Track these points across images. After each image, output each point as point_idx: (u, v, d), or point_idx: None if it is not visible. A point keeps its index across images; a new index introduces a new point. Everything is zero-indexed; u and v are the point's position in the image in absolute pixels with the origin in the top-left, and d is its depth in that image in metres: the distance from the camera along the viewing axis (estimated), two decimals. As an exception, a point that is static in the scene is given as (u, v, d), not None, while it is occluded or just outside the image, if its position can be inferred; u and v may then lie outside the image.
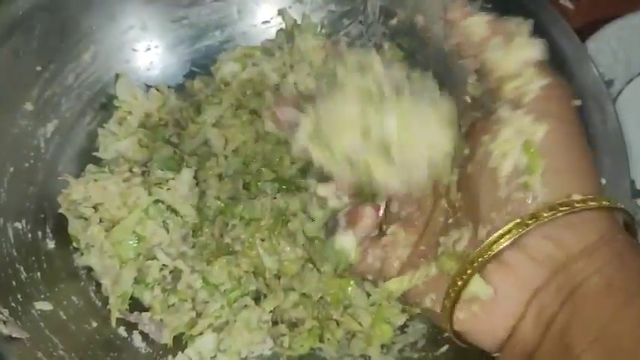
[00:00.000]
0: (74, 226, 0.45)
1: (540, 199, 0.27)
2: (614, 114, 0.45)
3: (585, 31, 0.57)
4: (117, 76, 0.51)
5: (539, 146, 0.27)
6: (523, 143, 0.28)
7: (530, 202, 0.27)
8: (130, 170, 0.46)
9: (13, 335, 0.39)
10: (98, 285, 0.45)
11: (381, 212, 0.35)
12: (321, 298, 0.45)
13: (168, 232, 0.45)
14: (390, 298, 0.33)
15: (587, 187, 0.28)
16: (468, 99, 0.33)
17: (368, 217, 0.33)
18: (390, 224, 0.34)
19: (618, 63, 0.58)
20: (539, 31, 0.47)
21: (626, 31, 0.58)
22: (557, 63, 0.45)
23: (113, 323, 0.44)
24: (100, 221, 0.44)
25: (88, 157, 0.49)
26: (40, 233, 0.45)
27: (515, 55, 0.30)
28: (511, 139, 0.28)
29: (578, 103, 0.30)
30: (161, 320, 0.44)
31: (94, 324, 0.44)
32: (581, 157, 0.28)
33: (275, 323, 0.45)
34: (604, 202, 0.27)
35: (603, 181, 0.42)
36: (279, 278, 0.45)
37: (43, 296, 0.43)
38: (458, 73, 0.51)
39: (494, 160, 0.28)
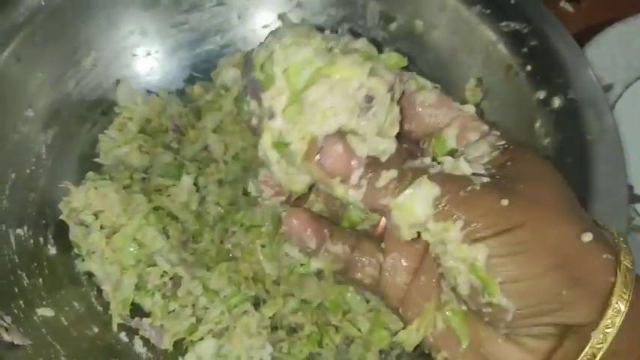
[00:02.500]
0: (75, 233, 0.45)
1: (514, 311, 0.25)
2: (612, 120, 0.45)
3: (585, 35, 0.57)
4: (117, 81, 0.52)
5: (487, 268, 0.25)
6: (469, 268, 0.26)
7: (505, 316, 0.26)
8: (130, 177, 0.46)
9: (15, 342, 0.39)
10: (99, 291, 0.46)
11: (384, 221, 0.34)
12: (320, 304, 0.45)
13: (168, 238, 0.45)
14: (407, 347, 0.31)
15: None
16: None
17: (290, 226, 0.30)
18: (387, 239, 0.32)
19: (618, 67, 0.58)
20: (537, 37, 0.47)
21: (625, 34, 0.58)
22: (555, 69, 0.46)
23: (114, 329, 0.44)
24: (101, 228, 0.45)
25: (89, 163, 0.49)
26: (41, 239, 0.46)
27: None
28: (455, 266, 0.26)
29: (505, 203, 0.26)
30: (162, 326, 0.44)
31: (96, 329, 0.44)
32: (540, 254, 0.25)
33: (274, 329, 0.45)
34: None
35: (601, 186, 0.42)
36: (278, 284, 0.45)
37: (44, 302, 0.43)
38: (456, 78, 0.51)
39: (450, 280, 0.27)
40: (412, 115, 0.31)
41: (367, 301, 0.44)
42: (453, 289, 0.28)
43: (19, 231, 0.44)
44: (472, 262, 0.25)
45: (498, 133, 0.30)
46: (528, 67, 0.46)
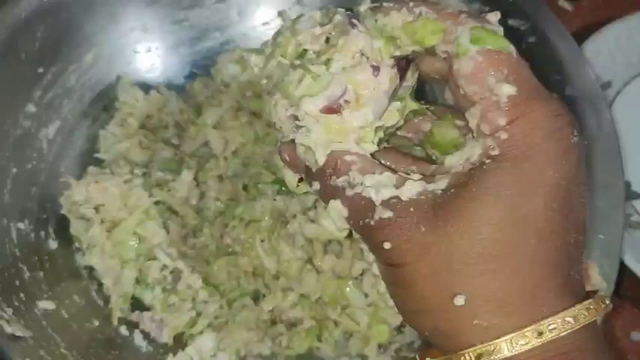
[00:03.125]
0: (76, 227, 0.45)
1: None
2: (610, 117, 0.45)
3: (584, 33, 0.57)
4: (118, 77, 0.52)
5: None
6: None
7: None
8: (131, 172, 0.46)
9: (17, 334, 0.39)
10: (100, 284, 0.46)
11: None
12: (319, 298, 0.45)
13: (168, 232, 0.45)
14: None
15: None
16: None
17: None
18: None
19: (616, 64, 0.58)
20: (535, 34, 0.47)
21: (624, 32, 0.58)
22: (553, 66, 0.46)
23: (115, 322, 0.44)
24: (102, 222, 0.45)
25: (90, 159, 0.49)
26: (42, 233, 0.46)
27: None
28: None
29: None
30: (161, 319, 0.44)
31: (96, 323, 0.44)
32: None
33: (274, 323, 0.46)
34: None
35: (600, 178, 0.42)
36: (278, 279, 0.46)
37: (45, 295, 0.43)
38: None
39: None
40: (451, 86, 0.27)
41: (366, 296, 0.45)
42: None
43: (20, 225, 0.45)
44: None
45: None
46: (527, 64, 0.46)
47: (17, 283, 0.42)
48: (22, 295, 0.42)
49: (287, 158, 0.27)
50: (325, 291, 0.45)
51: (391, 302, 0.43)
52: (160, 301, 0.44)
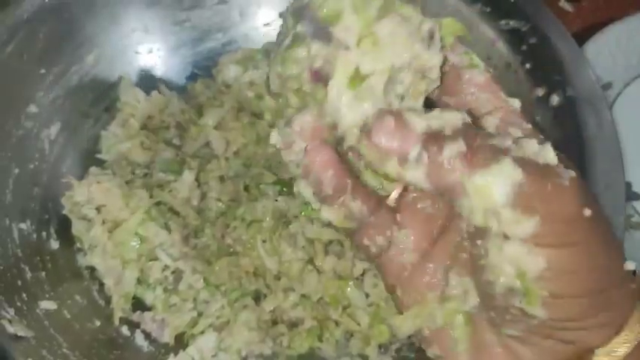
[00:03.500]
0: (78, 227, 0.46)
1: (542, 322, 0.24)
2: (610, 118, 0.45)
3: (584, 34, 0.57)
4: (120, 78, 0.52)
5: (536, 279, 0.23)
6: (517, 273, 0.23)
7: (531, 322, 0.24)
8: (132, 172, 0.47)
9: (19, 334, 0.39)
10: (101, 285, 0.46)
11: (395, 194, 0.30)
12: (321, 298, 0.45)
13: (170, 233, 0.45)
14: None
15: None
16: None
17: (312, 161, 0.27)
18: (403, 212, 0.29)
19: (617, 65, 0.58)
20: (536, 35, 0.48)
21: (625, 33, 0.58)
22: (553, 67, 0.46)
23: (116, 322, 0.45)
24: (103, 222, 0.45)
25: (92, 159, 0.49)
26: (44, 234, 0.46)
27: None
28: (502, 266, 0.24)
29: (587, 213, 0.23)
30: (163, 319, 0.44)
31: (98, 323, 0.45)
32: (589, 276, 0.24)
33: (275, 323, 0.46)
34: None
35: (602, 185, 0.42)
36: (279, 279, 0.46)
37: (47, 295, 0.43)
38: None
39: (487, 274, 0.24)
40: (455, 89, 0.28)
41: (367, 296, 0.45)
42: (482, 283, 0.25)
43: (22, 225, 0.45)
44: (523, 270, 0.23)
45: (542, 137, 0.26)
46: (527, 65, 0.47)
47: (19, 283, 0.43)
48: (24, 295, 0.42)
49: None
50: (326, 291, 0.45)
51: (391, 302, 0.43)
52: (161, 301, 0.44)
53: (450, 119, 0.24)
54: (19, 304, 0.41)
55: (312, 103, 0.26)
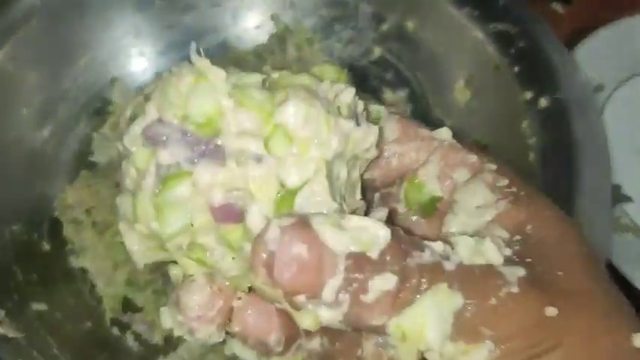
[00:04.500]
0: (69, 229, 0.46)
1: None
2: (600, 121, 0.46)
3: (576, 36, 0.57)
4: (112, 81, 0.52)
5: None
6: None
7: None
8: (123, 174, 0.47)
9: (9, 335, 0.40)
10: (92, 286, 0.46)
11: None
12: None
13: (159, 235, 0.45)
14: None
15: None
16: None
17: (245, 325, 0.22)
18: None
19: (608, 68, 0.58)
20: (525, 38, 0.48)
21: (616, 36, 0.58)
22: (542, 69, 0.46)
23: (107, 323, 0.45)
24: (94, 224, 0.45)
25: (83, 162, 0.50)
26: (36, 235, 0.46)
27: None
28: None
29: (552, 312, 0.19)
30: (153, 321, 0.45)
31: (88, 324, 0.45)
32: None
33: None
34: None
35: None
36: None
37: (38, 297, 0.44)
38: (445, 78, 0.52)
39: None
40: (375, 163, 0.23)
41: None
42: None
43: (14, 227, 0.45)
44: None
45: (494, 167, 0.23)
46: (516, 68, 0.47)
47: (11, 284, 0.43)
48: (15, 296, 0.42)
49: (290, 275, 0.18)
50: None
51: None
52: (151, 302, 0.45)
53: (374, 235, 0.18)
54: (10, 305, 0.41)
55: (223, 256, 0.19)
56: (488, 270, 0.19)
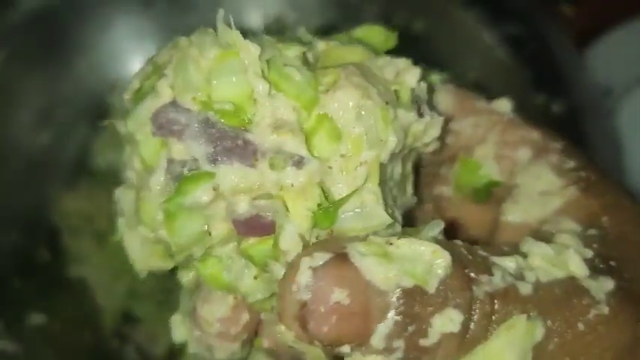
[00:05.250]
0: (68, 238, 0.45)
1: None
2: (610, 123, 0.45)
3: (585, 39, 0.56)
4: (113, 84, 0.51)
5: None
6: None
7: None
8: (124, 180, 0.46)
9: (7, 348, 0.39)
10: (92, 296, 0.45)
11: None
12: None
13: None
14: None
15: None
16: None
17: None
18: None
19: (617, 71, 0.57)
20: (536, 41, 0.47)
21: (625, 39, 0.57)
22: (553, 73, 0.45)
23: (106, 334, 0.44)
24: (93, 233, 0.44)
25: (83, 168, 0.49)
26: (34, 244, 0.45)
27: None
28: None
29: None
30: (154, 332, 0.44)
31: (87, 335, 0.44)
32: None
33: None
34: None
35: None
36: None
37: (37, 307, 0.43)
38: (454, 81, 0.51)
39: None
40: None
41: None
42: None
43: (12, 235, 0.44)
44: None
45: (560, 146, 0.19)
46: (527, 72, 0.46)
47: (8, 295, 0.42)
48: (13, 307, 0.42)
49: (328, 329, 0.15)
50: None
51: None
52: (152, 313, 0.44)
53: (430, 262, 0.15)
54: (7, 316, 0.41)
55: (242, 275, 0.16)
56: (572, 287, 0.16)
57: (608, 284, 0.16)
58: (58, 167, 0.48)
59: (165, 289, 0.44)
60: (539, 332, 0.15)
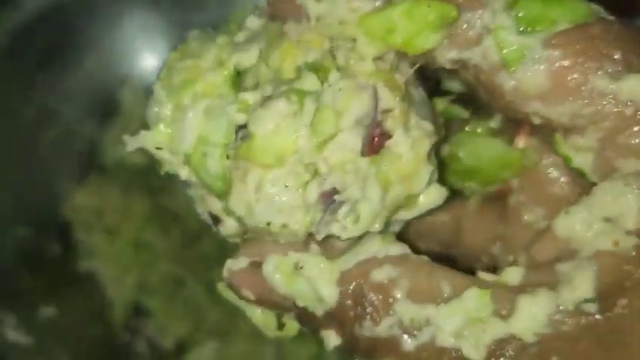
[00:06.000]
0: (77, 233, 0.45)
1: None
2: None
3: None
4: (121, 81, 0.51)
5: None
6: None
7: None
8: (133, 176, 0.46)
9: (19, 341, 0.39)
10: (102, 290, 0.46)
11: None
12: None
13: (170, 238, 0.45)
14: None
15: None
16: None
17: None
18: None
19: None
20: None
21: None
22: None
23: (116, 328, 0.44)
24: (104, 228, 0.45)
25: (92, 164, 0.49)
26: (45, 239, 0.46)
27: None
28: None
29: None
30: (163, 326, 0.44)
31: (98, 328, 0.44)
32: None
33: (277, 329, 0.45)
34: None
35: None
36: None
37: (48, 301, 0.43)
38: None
39: None
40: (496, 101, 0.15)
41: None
42: None
43: (22, 230, 0.44)
44: None
45: None
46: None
47: (19, 289, 0.42)
48: (24, 301, 0.42)
49: (247, 291, 0.17)
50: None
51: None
52: (162, 307, 0.44)
53: (319, 294, 0.16)
54: (19, 310, 0.41)
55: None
56: None
57: None
58: (68, 163, 0.48)
59: (175, 281, 0.45)
60: None
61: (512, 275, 0.14)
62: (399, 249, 0.16)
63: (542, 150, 0.17)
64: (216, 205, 0.18)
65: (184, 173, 0.18)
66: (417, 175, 0.15)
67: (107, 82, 0.51)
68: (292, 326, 0.18)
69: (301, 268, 0.16)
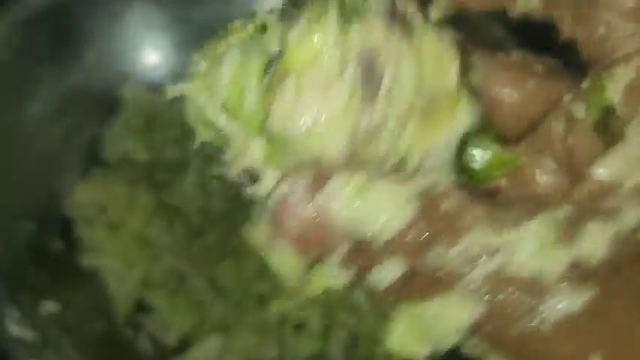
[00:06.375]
0: (81, 228, 0.45)
1: None
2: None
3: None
4: (123, 77, 0.52)
5: None
6: None
7: None
8: (136, 172, 0.46)
9: (22, 336, 0.39)
10: (105, 286, 0.46)
11: None
12: (328, 300, 0.45)
13: (174, 233, 0.45)
14: None
15: None
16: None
17: None
18: None
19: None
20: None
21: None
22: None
23: (120, 323, 0.44)
24: (106, 223, 0.45)
25: (95, 159, 0.49)
26: (48, 234, 0.46)
27: None
28: None
29: None
30: (167, 321, 0.44)
31: (102, 324, 0.44)
32: None
33: (280, 325, 0.45)
34: None
35: None
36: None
37: (51, 297, 0.43)
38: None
39: None
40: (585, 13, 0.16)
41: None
42: None
43: (26, 225, 0.44)
44: None
45: None
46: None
47: (23, 284, 0.42)
48: (28, 296, 0.42)
49: (293, 224, 0.16)
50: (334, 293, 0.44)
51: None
52: (165, 302, 0.44)
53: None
54: (22, 305, 0.41)
55: None
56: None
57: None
58: (71, 158, 0.49)
59: (179, 276, 0.45)
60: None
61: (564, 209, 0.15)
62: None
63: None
64: (255, 155, 0.19)
65: (222, 121, 0.19)
66: (446, 63, 0.16)
67: (109, 77, 0.51)
68: (318, 284, 0.17)
69: (368, 189, 0.15)
